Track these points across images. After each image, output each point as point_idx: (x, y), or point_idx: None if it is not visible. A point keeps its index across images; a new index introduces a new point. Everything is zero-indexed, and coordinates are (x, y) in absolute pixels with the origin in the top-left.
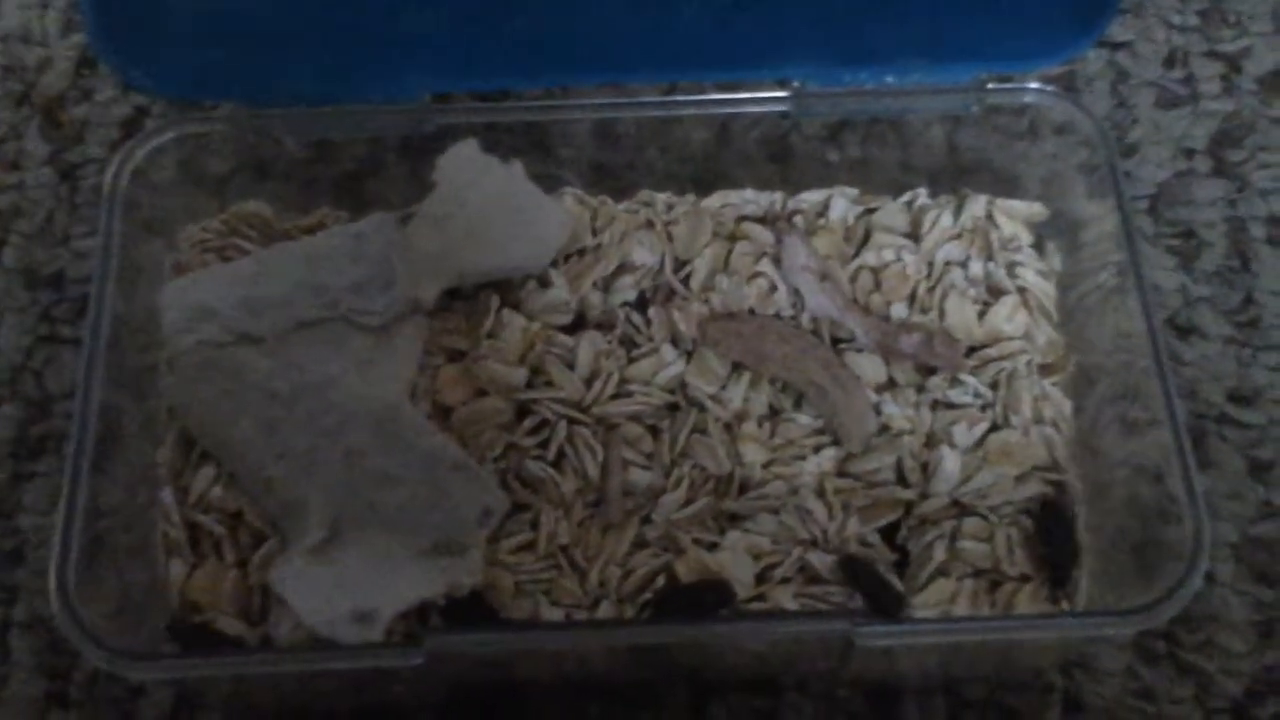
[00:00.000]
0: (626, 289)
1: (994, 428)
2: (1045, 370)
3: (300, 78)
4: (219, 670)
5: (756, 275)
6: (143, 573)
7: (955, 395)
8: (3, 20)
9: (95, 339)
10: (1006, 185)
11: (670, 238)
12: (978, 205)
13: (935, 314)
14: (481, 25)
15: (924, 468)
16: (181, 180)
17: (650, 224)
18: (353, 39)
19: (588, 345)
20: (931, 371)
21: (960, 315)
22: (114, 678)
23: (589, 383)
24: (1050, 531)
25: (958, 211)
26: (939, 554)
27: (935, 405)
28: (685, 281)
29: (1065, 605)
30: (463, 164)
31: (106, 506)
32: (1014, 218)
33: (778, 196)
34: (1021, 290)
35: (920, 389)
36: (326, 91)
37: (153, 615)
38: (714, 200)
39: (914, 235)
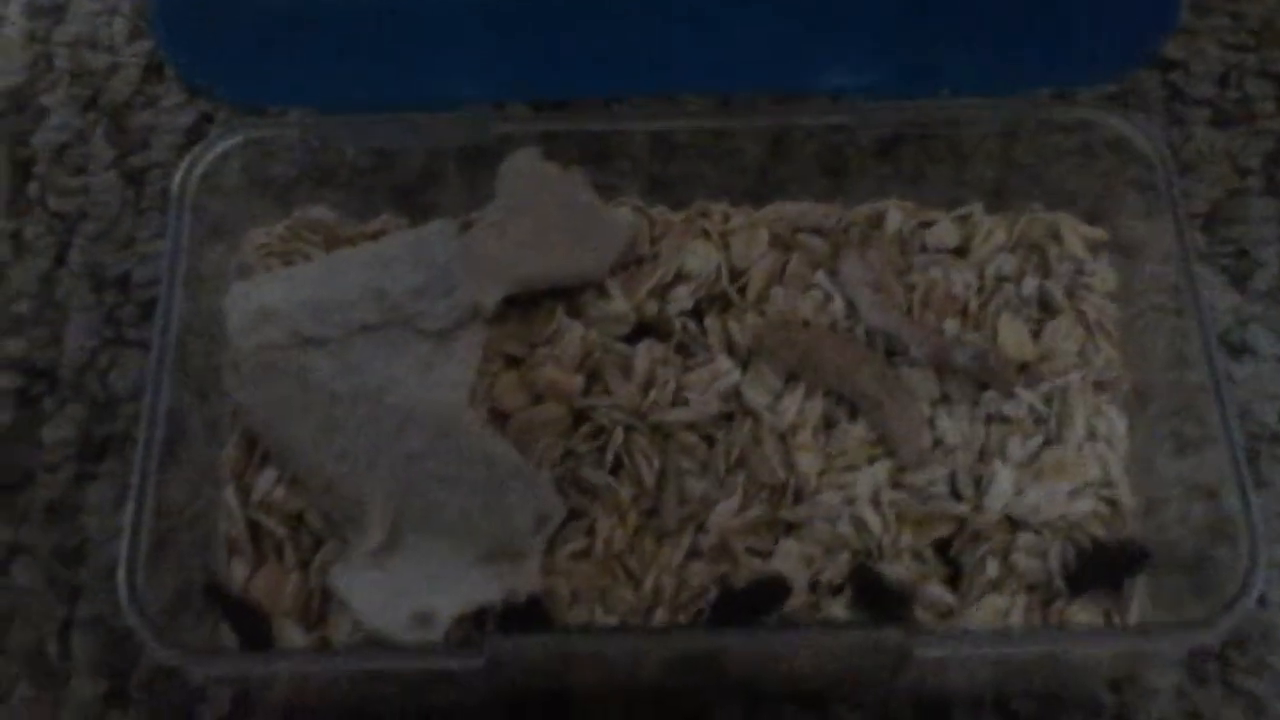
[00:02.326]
0: (683, 298)
1: (1047, 443)
2: (1100, 387)
3: (363, 86)
4: (282, 668)
5: (812, 286)
6: (205, 573)
7: (1009, 410)
8: (70, 26)
9: (164, 341)
10: (1061, 201)
11: (726, 247)
12: (1038, 221)
13: (988, 329)
14: (541, 37)
15: (977, 482)
16: (246, 185)
17: (706, 234)
18: (415, 48)
19: (645, 353)
20: (985, 386)
21: (1012, 332)
22: (173, 678)
23: (646, 390)
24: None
25: (1012, 226)
26: (992, 569)
27: (989, 420)
28: (741, 291)
29: (1119, 622)
30: (524, 172)
31: (171, 506)
32: (1074, 234)
33: (833, 208)
34: (1079, 308)
35: (974, 403)
36: (389, 99)
37: (212, 615)
38: (770, 211)
39: (967, 250)
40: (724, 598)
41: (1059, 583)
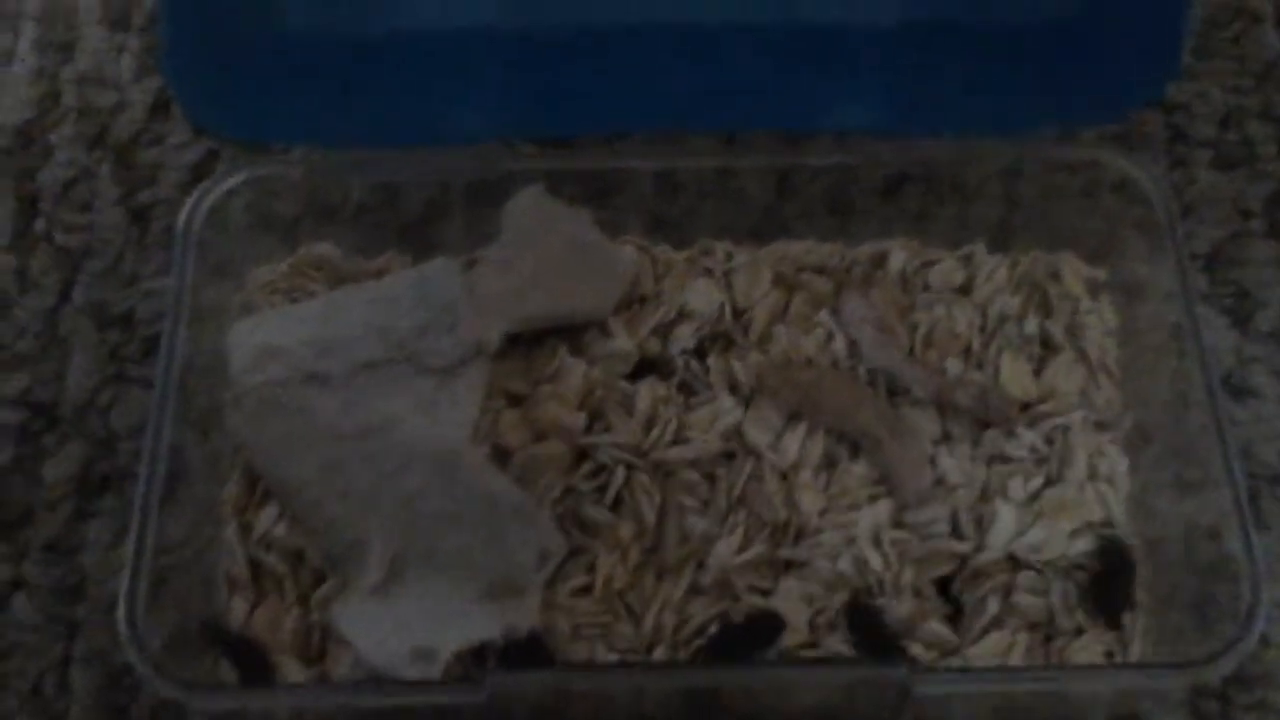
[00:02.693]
0: (686, 337)
1: (1049, 483)
2: (1101, 427)
3: (368, 123)
4: (283, 703)
5: (814, 325)
6: (205, 609)
7: (1010, 449)
8: (78, 63)
9: (167, 377)
10: (1064, 241)
11: (729, 286)
12: (1039, 261)
13: (990, 369)
14: (546, 74)
15: (978, 521)
16: (251, 223)
17: (710, 272)
18: (420, 86)
19: (647, 391)
20: (987, 425)
21: (1014, 371)
22: (173, 712)
23: (648, 428)
24: (1109, 577)
25: (1014, 266)
26: (993, 607)
27: (990, 459)
28: (744, 330)
29: (1120, 660)
30: (529, 210)
31: (171, 543)
32: (1076, 274)
33: (836, 247)
34: (1080, 348)
35: (976, 442)
36: (393, 137)
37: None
38: (773, 250)
39: (969, 289)
40: (720, 635)
41: (1062, 620)
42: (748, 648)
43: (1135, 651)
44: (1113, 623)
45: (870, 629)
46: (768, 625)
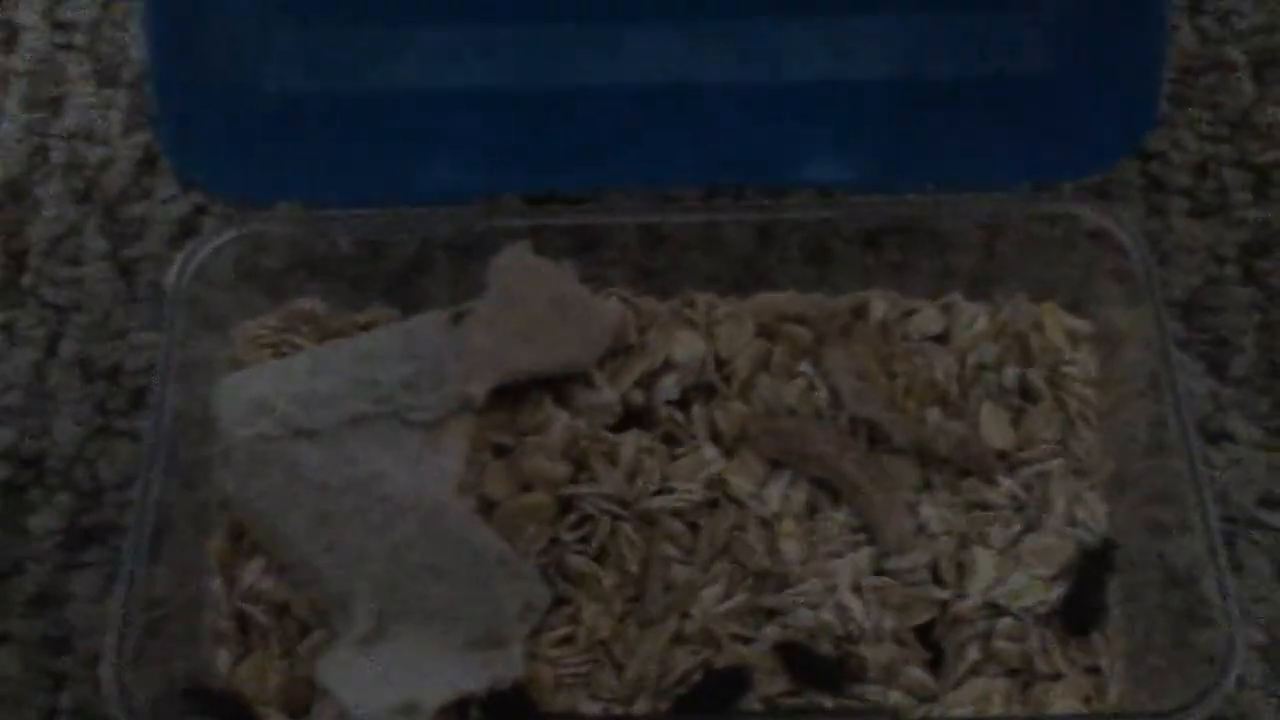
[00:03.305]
0: (669, 387)
1: (1028, 529)
2: (1080, 474)
3: (355, 180)
4: None
5: (796, 375)
6: (190, 662)
7: (990, 497)
8: (67, 119)
9: (157, 432)
10: (1042, 291)
11: (712, 337)
12: (1020, 310)
13: (970, 417)
14: (533, 131)
15: (959, 567)
16: (238, 278)
17: (693, 323)
18: (407, 142)
19: (631, 442)
20: (967, 473)
21: (993, 419)
22: None
23: (631, 479)
24: (1082, 584)
25: (994, 315)
26: (973, 653)
27: (970, 507)
28: (726, 380)
29: (1097, 706)
30: (516, 265)
31: (157, 596)
32: (1056, 324)
33: (817, 298)
34: (1060, 396)
35: (956, 490)
36: (380, 193)
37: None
38: (755, 301)
39: (949, 338)
40: (689, 692)
41: (1041, 666)
42: (717, 701)
43: (1113, 695)
44: (1081, 630)
45: (806, 667)
46: (732, 680)
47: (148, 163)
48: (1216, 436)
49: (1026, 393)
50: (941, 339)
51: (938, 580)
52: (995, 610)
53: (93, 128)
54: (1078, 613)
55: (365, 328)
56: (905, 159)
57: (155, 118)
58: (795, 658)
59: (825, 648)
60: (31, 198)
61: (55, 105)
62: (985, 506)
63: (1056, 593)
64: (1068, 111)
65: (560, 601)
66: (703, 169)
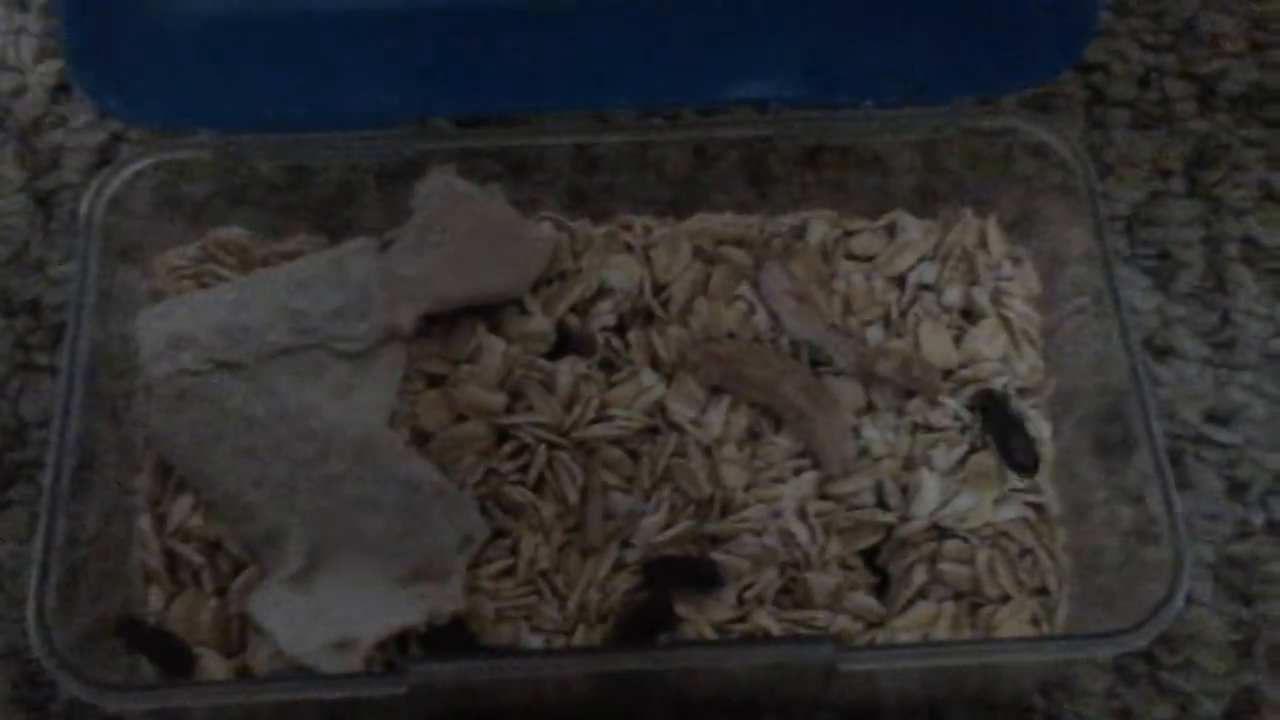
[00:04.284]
0: (606, 313)
1: (973, 450)
2: (1024, 393)
3: (278, 104)
4: (199, 700)
5: (735, 299)
6: (120, 602)
7: (934, 418)
8: None
9: (73, 367)
10: (983, 207)
11: (649, 261)
12: (959, 228)
13: (910, 337)
14: (461, 51)
15: (904, 490)
16: (157, 207)
17: (629, 247)
18: (332, 64)
19: (567, 370)
20: (910, 395)
21: (935, 339)
22: (92, 709)
23: (569, 407)
24: (1000, 430)
25: (934, 234)
26: (919, 577)
27: (914, 428)
28: (664, 305)
29: (1046, 627)
30: (441, 190)
31: (83, 535)
32: (996, 241)
33: (756, 219)
34: (1002, 314)
35: (899, 412)
36: (304, 117)
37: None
38: (692, 223)
39: (890, 258)
40: (658, 565)
41: (989, 589)
42: (685, 580)
43: (1061, 616)
44: (1032, 468)
45: (675, 571)
46: (706, 569)
47: (62, 89)
48: (1162, 352)
49: (969, 312)
50: (882, 259)
51: (882, 504)
52: (941, 533)
53: (4, 54)
54: (1019, 453)
55: (290, 257)
56: (841, 73)
57: (65, 44)
58: (662, 569)
59: (770, 574)
60: None
61: None
62: (929, 428)
63: (1003, 514)
64: (1006, 22)
65: (499, 533)
66: (636, 88)
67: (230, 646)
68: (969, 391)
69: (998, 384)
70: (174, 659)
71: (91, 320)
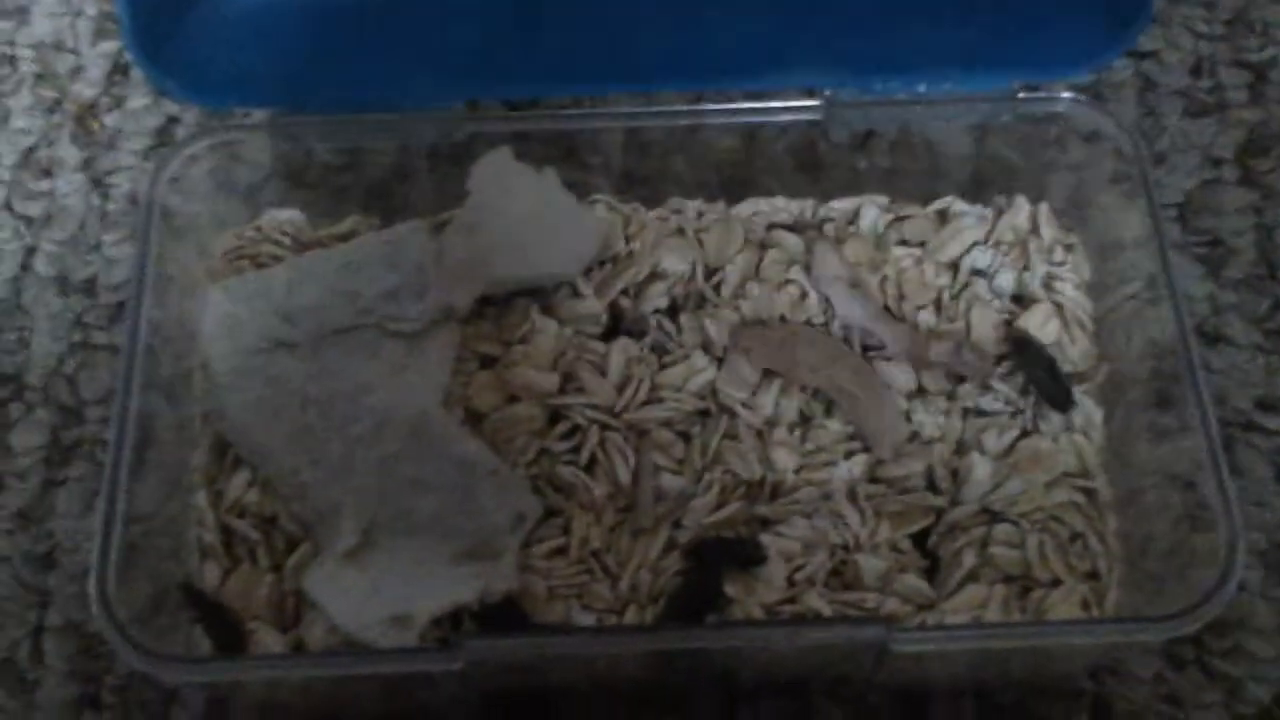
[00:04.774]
0: (658, 296)
1: (1024, 435)
2: (1075, 378)
3: (333, 86)
4: (255, 673)
5: (787, 283)
6: (177, 578)
7: (985, 403)
8: (34, 28)
9: (134, 346)
10: (1034, 194)
11: (701, 245)
12: (1019, 214)
13: (962, 322)
14: (514, 35)
15: (954, 474)
16: (214, 188)
17: (681, 231)
18: (386, 47)
19: (619, 352)
20: (961, 379)
21: (987, 324)
22: (147, 681)
23: (621, 389)
24: (1034, 369)
25: (987, 219)
26: (969, 560)
27: (965, 412)
28: (716, 289)
29: (1096, 612)
30: (496, 172)
31: (141, 512)
32: (1049, 227)
33: (808, 204)
34: (1054, 300)
35: (950, 396)
36: (359, 100)
37: (186, 616)
38: (744, 208)
39: (942, 243)
40: (703, 546)
41: (1039, 572)
42: (728, 560)
43: (1111, 601)
44: (1067, 404)
45: (718, 552)
46: (748, 548)
47: (119, 71)
48: (1213, 339)
49: (1020, 298)
50: (934, 244)
51: (933, 487)
52: (992, 516)
53: (61, 36)
54: (1054, 390)
55: (344, 238)
56: (895, 60)
57: (124, 26)
58: (707, 549)
59: (820, 556)
60: (1, 109)
61: (21, 14)
62: (980, 412)
63: (1054, 498)
64: (1061, 8)
65: (551, 513)
66: (688, 74)
67: (285, 622)
68: (1020, 377)
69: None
70: (228, 631)
71: (150, 299)
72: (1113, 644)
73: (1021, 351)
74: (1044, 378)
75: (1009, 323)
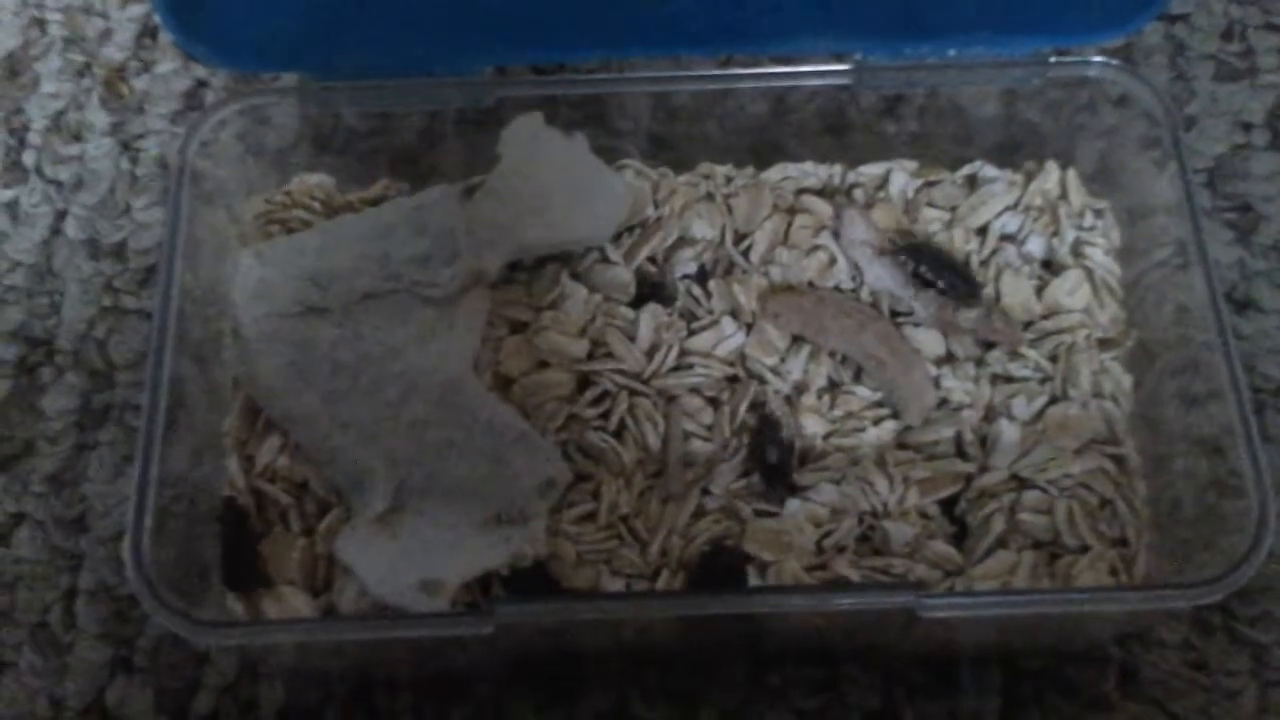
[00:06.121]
0: (687, 261)
1: (1053, 401)
2: (1105, 344)
3: (362, 51)
4: (288, 637)
5: (816, 248)
6: (208, 542)
7: (1014, 369)
8: None
9: (165, 310)
10: (1064, 159)
11: (730, 210)
12: (1041, 179)
13: (991, 288)
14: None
15: (983, 441)
16: (244, 153)
17: (710, 196)
18: (415, 11)
19: (649, 317)
20: (990, 345)
21: (1016, 290)
22: (178, 645)
23: (650, 354)
24: (936, 270)
25: (1016, 184)
26: (998, 526)
27: (994, 379)
28: (745, 254)
29: (1124, 578)
30: (526, 137)
31: (173, 476)
32: (1078, 192)
33: (837, 169)
34: (1084, 265)
35: (979, 362)
36: (388, 64)
37: (216, 584)
38: (773, 173)
39: (971, 208)
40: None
41: (1067, 539)
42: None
43: (1140, 567)
44: (970, 296)
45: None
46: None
47: (148, 34)
48: (1243, 305)
49: (1050, 263)
50: (964, 209)
51: (962, 454)
52: (1020, 483)
53: (90, 0)
54: (957, 282)
55: (374, 203)
56: (925, 24)
57: None
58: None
59: (849, 523)
60: (30, 73)
61: None
62: (1009, 378)
63: (1083, 466)
64: None
65: (580, 478)
66: (717, 38)
67: (316, 586)
68: (1049, 344)
69: (1081, 338)
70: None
71: (181, 264)
72: (1141, 611)
73: (921, 258)
74: (947, 274)
75: (1038, 290)
